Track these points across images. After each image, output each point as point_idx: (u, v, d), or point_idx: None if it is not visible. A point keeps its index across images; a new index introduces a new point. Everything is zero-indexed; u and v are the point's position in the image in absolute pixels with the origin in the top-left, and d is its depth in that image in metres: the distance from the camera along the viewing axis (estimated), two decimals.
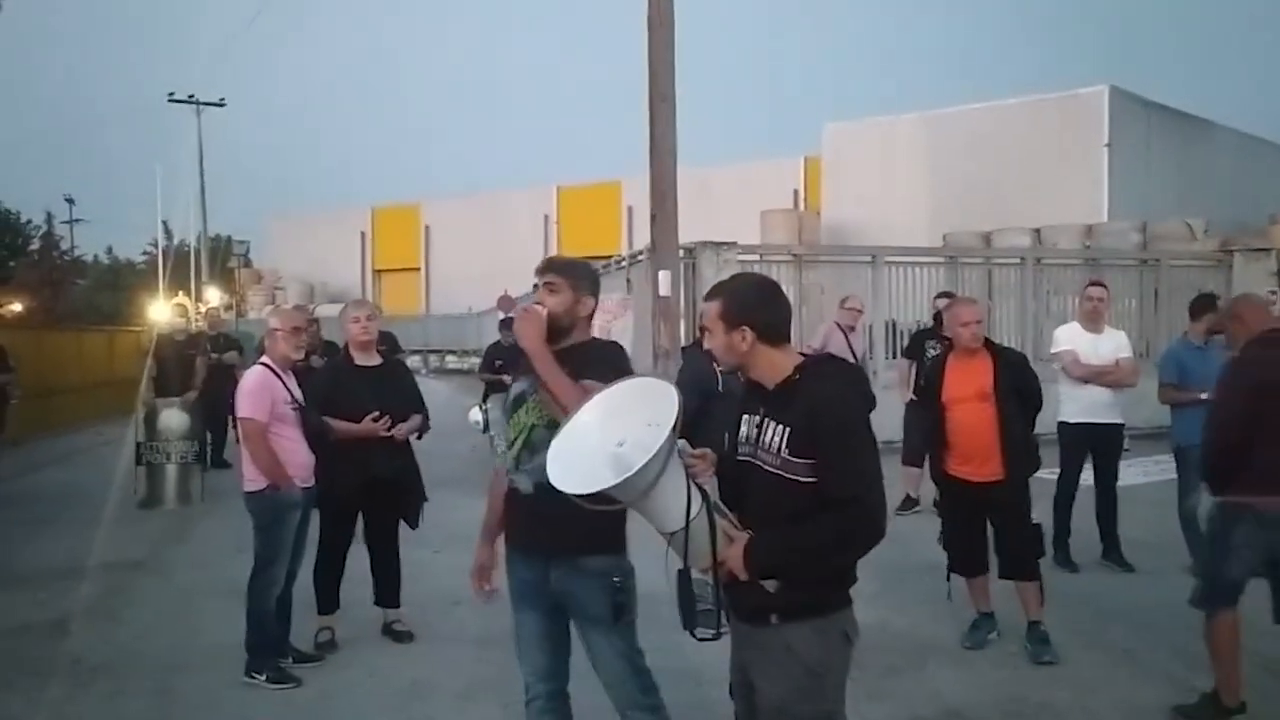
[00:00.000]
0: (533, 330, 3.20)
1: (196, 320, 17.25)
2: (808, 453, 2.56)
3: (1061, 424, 6.88)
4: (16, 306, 39.30)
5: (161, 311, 20.39)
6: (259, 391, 4.96)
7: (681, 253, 11.35)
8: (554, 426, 2.98)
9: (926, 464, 6.03)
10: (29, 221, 52.50)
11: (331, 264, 44.77)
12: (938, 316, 9.04)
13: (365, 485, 5.35)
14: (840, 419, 2.58)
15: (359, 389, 5.40)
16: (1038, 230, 18.59)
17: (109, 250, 63.38)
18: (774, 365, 2.71)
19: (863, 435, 2.62)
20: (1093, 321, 7.10)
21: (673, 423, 2.40)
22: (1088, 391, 6.85)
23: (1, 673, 5.20)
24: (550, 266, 3.38)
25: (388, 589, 5.67)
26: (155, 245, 45.94)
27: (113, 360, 19.61)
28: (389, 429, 5.38)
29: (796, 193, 33.51)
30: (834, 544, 2.56)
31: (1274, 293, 13.81)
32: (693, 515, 2.50)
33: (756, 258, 13.02)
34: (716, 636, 2.63)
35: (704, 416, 5.32)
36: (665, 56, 10.38)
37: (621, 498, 2.45)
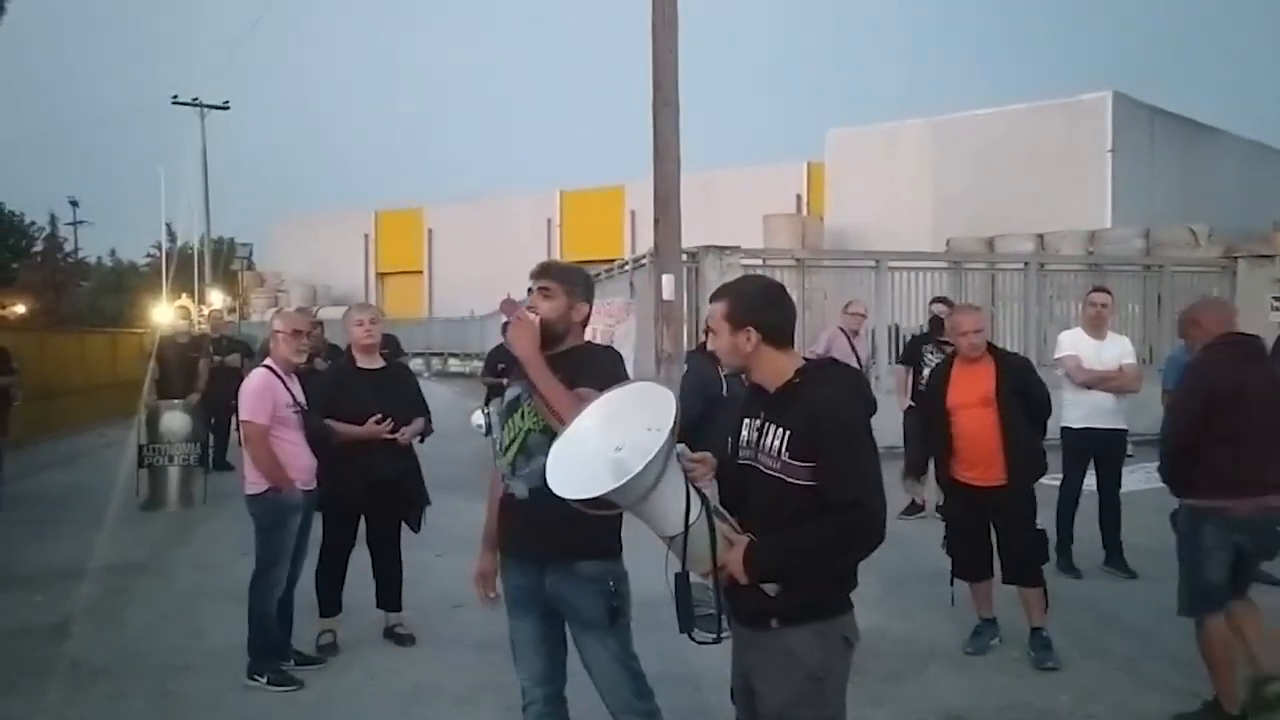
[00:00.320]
0: (526, 338, 3.21)
1: (199, 323, 17.24)
2: (808, 456, 2.56)
3: (1064, 429, 6.87)
4: (20, 308, 39.41)
5: (164, 314, 20.47)
6: (260, 394, 4.96)
7: (684, 257, 11.35)
8: (549, 432, 3.00)
9: (930, 469, 6.02)
10: (32, 223, 52.74)
11: (335, 267, 44.79)
12: (933, 321, 9.04)
13: (367, 488, 5.36)
14: (841, 422, 2.59)
15: (362, 392, 5.40)
16: (1041, 236, 18.57)
17: (112, 252, 63.63)
18: (777, 368, 2.71)
19: (863, 439, 2.63)
20: (1096, 327, 7.09)
21: (671, 427, 2.40)
22: (1091, 397, 6.85)
23: (2, 674, 5.20)
24: (545, 272, 3.38)
25: (389, 592, 5.67)
26: (159, 247, 46.09)
27: (115, 362, 19.62)
28: (392, 432, 5.38)
29: (799, 197, 33.48)
30: (834, 547, 2.56)
31: (1278, 299, 13.82)
32: (692, 519, 2.50)
33: (760, 262, 13.02)
34: (717, 640, 2.63)
35: (708, 421, 5.34)
36: (669, 61, 10.38)
37: (621, 502, 2.45)
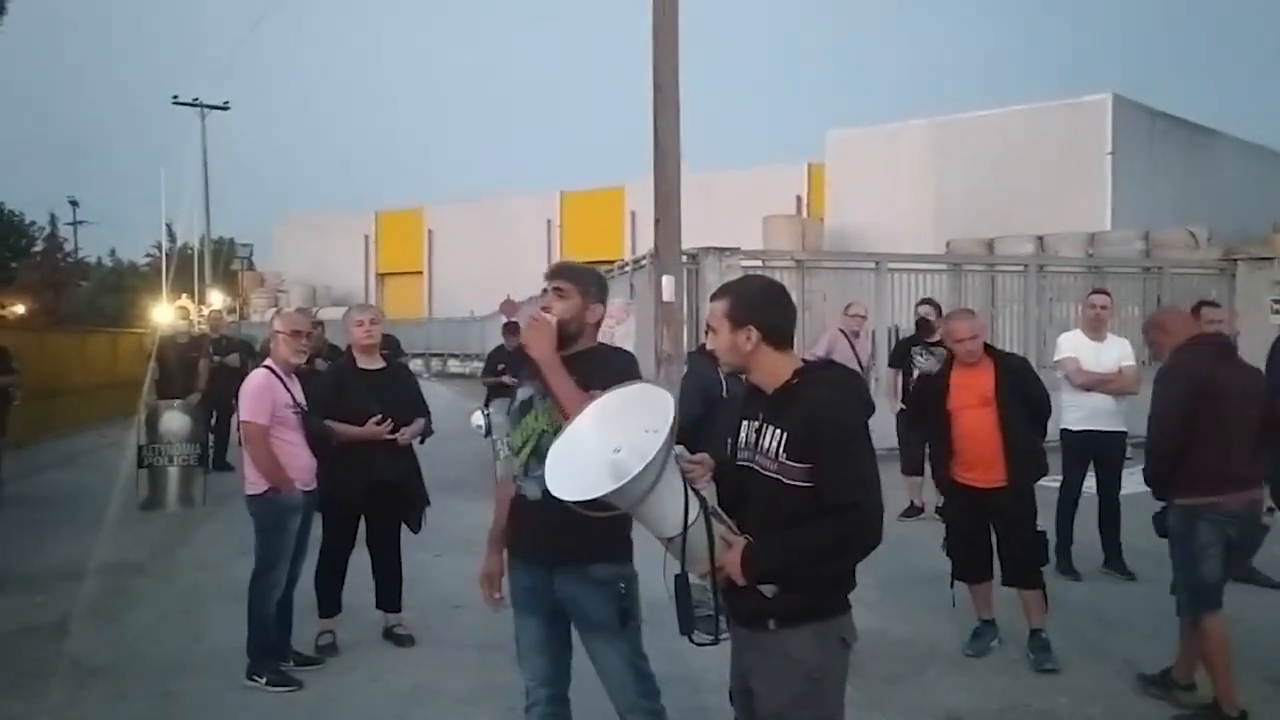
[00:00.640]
0: (543, 339, 3.18)
1: (199, 323, 17.25)
2: (806, 458, 2.57)
3: (1064, 432, 6.87)
4: (19, 308, 39.40)
5: (164, 314, 20.49)
6: (261, 394, 4.97)
7: (685, 258, 11.35)
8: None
9: (927, 470, 6.03)
10: (33, 223, 52.73)
11: (335, 267, 44.81)
12: (920, 323, 9.05)
13: (367, 489, 5.36)
14: (838, 424, 2.59)
15: (362, 392, 5.40)
16: (1041, 238, 18.57)
17: (112, 252, 63.66)
18: (776, 368, 2.71)
19: (861, 440, 2.63)
20: (1095, 329, 7.10)
21: (669, 428, 2.40)
22: (1090, 399, 6.85)
23: (3, 674, 5.20)
24: (560, 272, 3.36)
25: (389, 593, 5.68)
26: (159, 248, 46.15)
27: (115, 362, 19.62)
28: (392, 432, 5.39)
29: (800, 199, 33.49)
30: (832, 549, 2.56)
31: (1278, 302, 13.82)
32: (690, 521, 2.51)
33: (759, 263, 13.01)
34: (715, 642, 2.63)
35: (708, 421, 5.35)
36: (670, 62, 10.39)
37: (619, 504, 2.45)
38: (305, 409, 5.10)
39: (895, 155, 25.47)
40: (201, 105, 36.42)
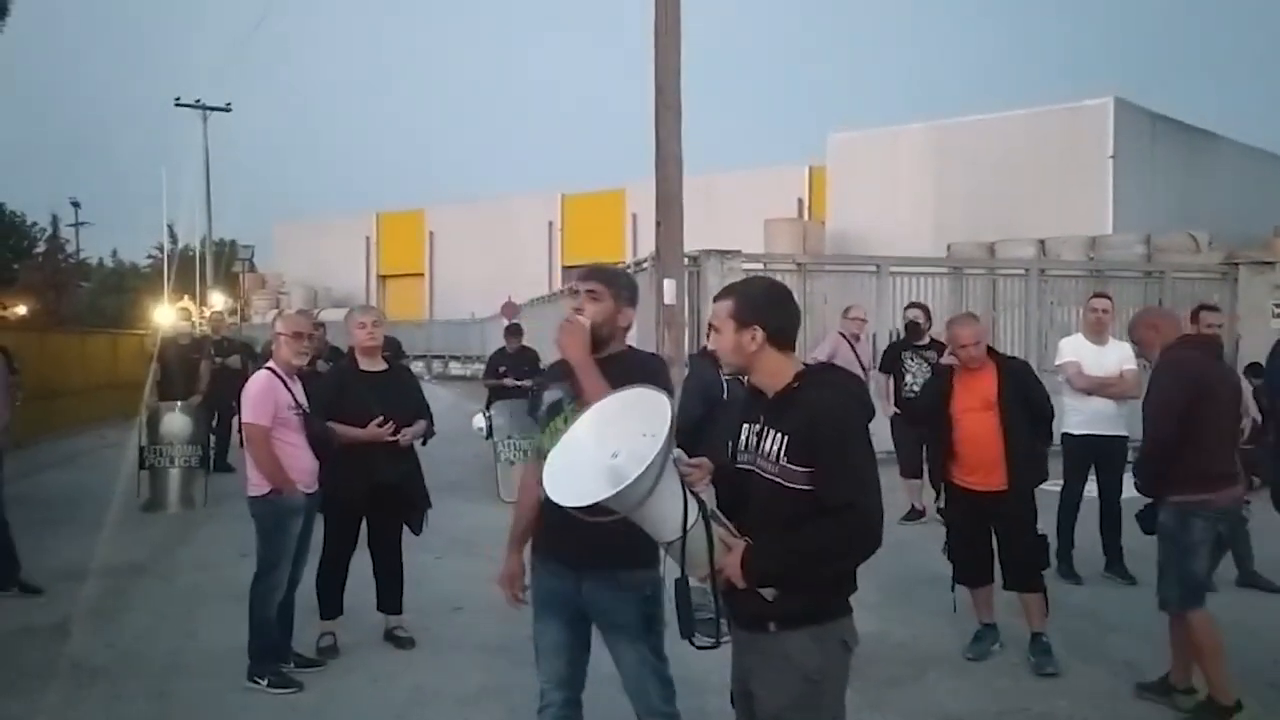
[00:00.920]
0: (578, 342, 3.16)
1: (200, 324, 17.26)
2: (806, 461, 2.57)
3: (1065, 436, 6.87)
4: (21, 309, 39.42)
5: (166, 315, 20.50)
6: (263, 396, 4.97)
7: (686, 260, 11.36)
8: None
9: (926, 473, 6.03)
10: (34, 224, 52.72)
11: (336, 269, 44.85)
12: (909, 327, 9.05)
13: (369, 491, 5.36)
14: (838, 426, 2.59)
15: (364, 394, 5.40)
16: (1042, 241, 18.59)
17: (114, 253, 63.69)
18: (777, 370, 2.71)
19: (860, 443, 2.63)
20: (1097, 333, 7.10)
21: (667, 432, 2.40)
22: (1091, 403, 6.85)
23: (3, 674, 5.20)
24: (593, 275, 3.33)
25: (390, 595, 5.67)
26: (160, 249, 46.05)
27: (116, 363, 19.64)
28: (394, 434, 5.39)
29: (801, 201, 33.51)
30: (831, 551, 2.56)
31: None
32: (690, 524, 2.50)
33: (761, 266, 13.03)
34: (715, 645, 2.63)
35: (709, 423, 5.34)
36: (671, 65, 10.40)
37: (618, 508, 2.45)
38: (307, 410, 5.11)
39: (897, 158, 25.50)
40: (203, 107, 36.45)
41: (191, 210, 38.70)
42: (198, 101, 36.29)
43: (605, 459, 2.52)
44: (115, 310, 43.98)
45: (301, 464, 5.02)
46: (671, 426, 2.41)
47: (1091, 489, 6.97)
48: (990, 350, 5.44)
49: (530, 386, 11.45)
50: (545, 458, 3.22)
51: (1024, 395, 5.29)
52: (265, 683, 4.91)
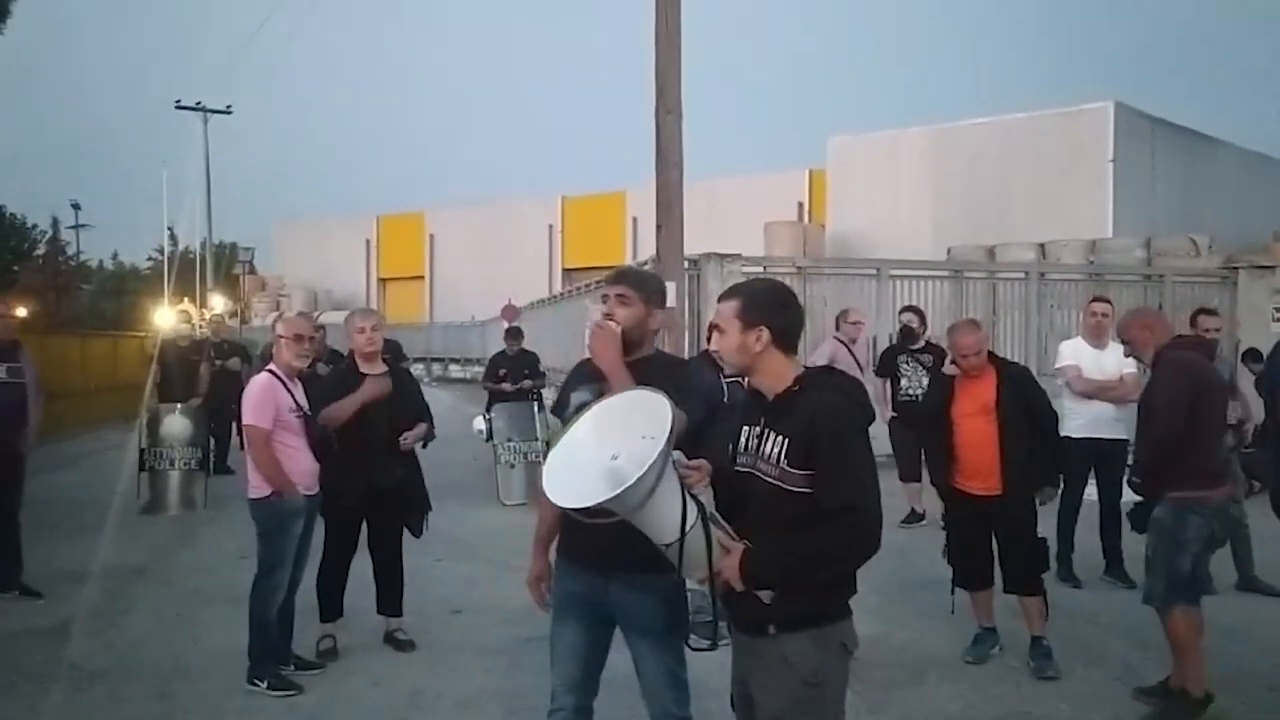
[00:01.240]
0: (611, 348, 3.13)
1: (201, 326, 17.25)
2: (806, 464, 2.57)
3: (1065, 439, 6.86)
4: (21, 311, 39.37)
5: (166, 317, 20.47)
6: (263, 398, 4.97)
7: (686, 264, 11.36)
8: None
9: (925, 476, 6.03)
10: (35, 226, 52.67)
11: (336, 271, 44.87)
12: (904, 331, 9.06)
13: (369, 493, 5.36)
14: (837, 429, 2.59)
15: None
16: (1042, 245, 18.57)
17: (114, 255, 63.64)
18: (780, 372, 2.72)
19: (859, 446, 2.63)
20: (1097, 337, 7.11)
21: (667, 435, 2.40)
22: (1091, 407, 6.86)
23: (2, 676, 5.20)
24: (623, 278, 3.31)
25: (390, 597, 5.67)
26: (161, 251, 46.10)
27: (117, 365, 19.63)
28: (395, 437, 5.39)
29: (801, 205, 33.52)
30: (830, 554, 2.56)
31: None
32: (688, 526, 2.50)
33: (761, 269, 13.02)
34: (713, 647, 2.63)
35: (709, 426, 5.35)
36: (672, 69, 10.40)
37: (617, 510, 2.46)
38: (308, 413, 5.11)
39: (897, 162, 25.52)
40: (204, 109, 36.47)
41: (192, 213, 38.78)
42: (198, 104, 36.33)
43: (605, 460, 2.52)
44: (115, 312, 43.93)
45: (302, 466, 5.03)
46: (672, 429, 2.42)
47: (1091, 492, 6.98)
48: (990, 355, 5.45)
49: (530, 389, 11.49)
50: None
51: (1024, 401, 5.29)
52: (265, 685, 4.91)
